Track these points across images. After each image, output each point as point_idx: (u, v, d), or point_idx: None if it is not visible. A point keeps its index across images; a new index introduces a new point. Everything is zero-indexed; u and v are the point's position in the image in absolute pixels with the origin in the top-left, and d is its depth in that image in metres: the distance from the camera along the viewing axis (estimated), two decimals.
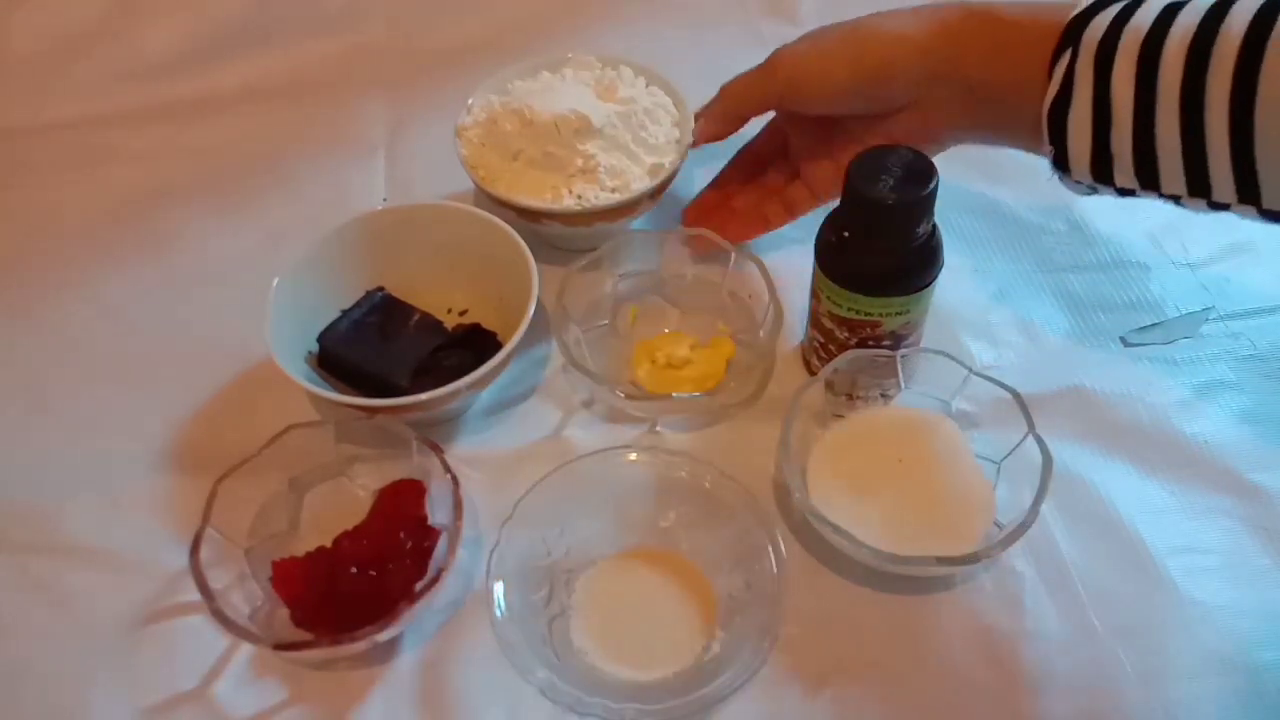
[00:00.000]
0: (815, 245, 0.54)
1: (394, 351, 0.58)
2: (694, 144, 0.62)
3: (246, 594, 0.49)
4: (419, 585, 0.48)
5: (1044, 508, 0.48)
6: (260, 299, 0.56)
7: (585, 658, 0.49)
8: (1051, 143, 0.50)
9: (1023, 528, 0.48)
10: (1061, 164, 0.50)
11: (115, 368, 0.63)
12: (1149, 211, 0.67)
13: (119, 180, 0.74)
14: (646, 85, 0.65)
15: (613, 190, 0.61)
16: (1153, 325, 0.62)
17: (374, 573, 0.49)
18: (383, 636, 0.47)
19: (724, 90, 0.60)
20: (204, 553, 0.48)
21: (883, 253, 0.51)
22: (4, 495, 0.57)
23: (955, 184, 0.67)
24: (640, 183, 0.61)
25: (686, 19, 0.83)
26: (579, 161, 0.60)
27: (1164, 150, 0.46)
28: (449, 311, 0.63)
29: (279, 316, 0.56)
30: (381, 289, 0.62)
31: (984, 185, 0.69)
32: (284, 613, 0.49)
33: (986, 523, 0.51)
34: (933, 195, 0.49)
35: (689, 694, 0.46)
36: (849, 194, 0.51)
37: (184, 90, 0.80)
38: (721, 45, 0.80)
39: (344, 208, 0.62)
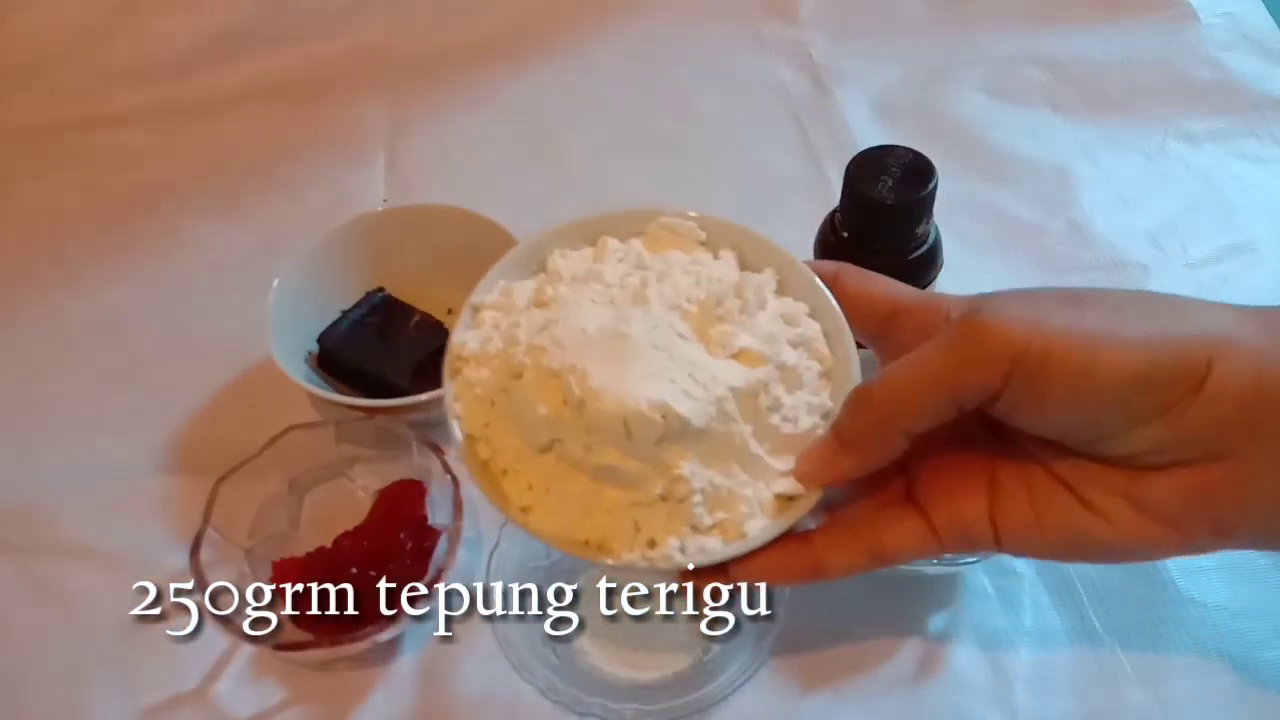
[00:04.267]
0: (815, 245, 0.54)
1: (394, 351, 0.58)
2: (808, 481, 0.36)
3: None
4: (419, 585, 0.48)
5: None
6: (260, 299, 0.56)
7: (585, 658, 0.49)
8: None
9: None
10: None
11: (115, 368, 0.63)
12: (1149, 212, 0.68)
13: (119, 180, 0.74)
14: (781, 297, 0.39)
15: (714, 529, 0.35)
16: None
17: (374, 573, 0.49)
18: (383, 636, 0.47)
19: (888, 380, 0.34)
20: (204, 553, 0.49)
21: (882, 253, 0.51)
22: (4, 495, 0.56)
23: (955, 184, 0.67)
24: (756, 520, 0.36)
25: (686, 19, 0.83)
26: (659, 488, 0.35)
27: None
28: (449, 312, 0.63)
29: (279, 316, 0.56)
30: (381, 289, 0.62)
31: (984, 185, 0.69)
32: (284, 613, 0.49)
33: None
34: (932, 195, 0.49)
35: (689, 694, 0.46)
36: (849, 194, 0.50)
37: (184, 90, 0.80)
38: (722, 46, 0.80)
39: (344, 208, 0.62)
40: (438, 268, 0.62)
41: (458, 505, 0.50)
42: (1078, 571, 0.51)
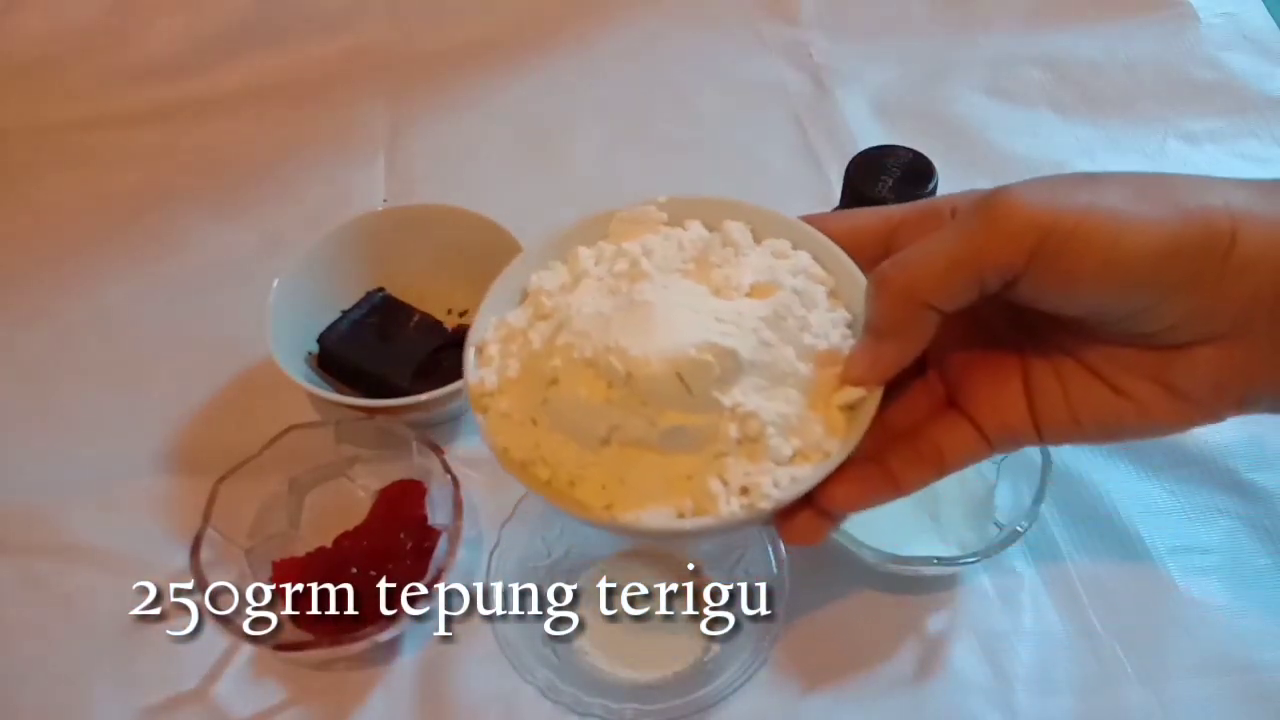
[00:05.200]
0: None
1: (394, 351, 0.58)
2: (862, 381, 0.35)
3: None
4: (419, 585, 0.48)
5: (1044, 508, 0.48)
6: (260, 299, 0.56)
7: (585, 658, 0.49)
8: None
9: (1022, 528, 0.48)
10: None
11: (115, 368, 0.63)
12: None
13: (119, 180, 0.74)
14: (762, 242, 0.39)
15: (795, 457, 0.34)
16: None
17: (374, 573, 0.49)
18: (383, 636, 0.47)
19: (906, 261, 0.33)
20: (204, 553, 0.49)
21: None
22: (4, 495, 0.57)
23: (955, 184, 0.67)
24: (832, 440, 0.35)
25: (686, 19, 0.83)
26: (732, 430, 0.34)
27: None
28: (449, 311, 0.63)
29: (279, 316, 0.56)
30: (381, 289, 0.62)
31: (984, 185, 0.69)
32: (284, 613, 0.49)
33: (986, 523, 0.51)
34: (933, 195, 0.49)
35: (689, 694, 0.46)
36: (849, 194, 0.50)
37: (184, 90, 0.80)
38: (721, 45, 0.80)
39: (344, 208, 0.62)
40: (438, 268, 0.62)
41: (458, 505, 0.50)
42: (1078, 571, 0.51)
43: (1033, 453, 0.50)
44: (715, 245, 0.37)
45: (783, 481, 0.34)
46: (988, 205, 0.32)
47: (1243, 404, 0.34)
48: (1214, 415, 0.34)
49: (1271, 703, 0.47)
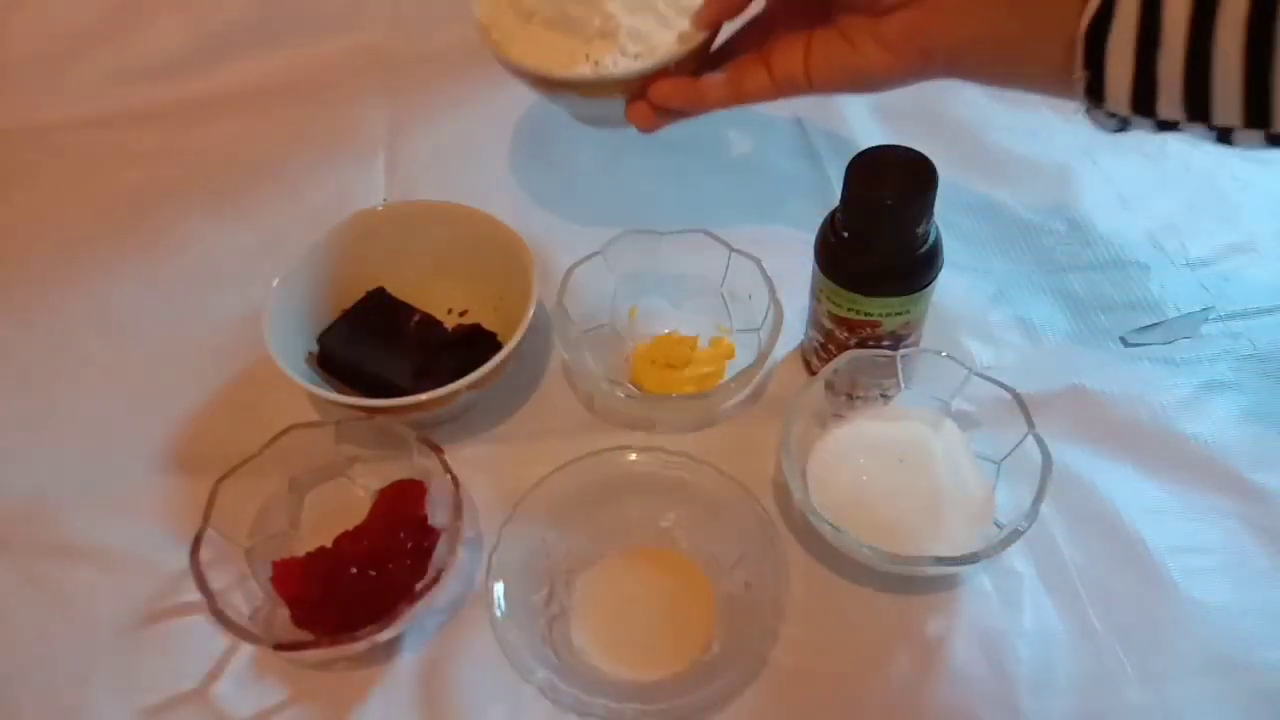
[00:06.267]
0: (815, 245, 0.54)
1: (394, 351, 0.58)
2: (699, 26, 0.55)
3: (247, 594, 0.49)
4: (419, 585, 0.48)
5: (1044, 508, 0.48)
6: (260, 299, 0.56)
7: (585, 658, 0.49)
8: (1087, 67, 0.43)
9: (1023, 528, 0.48)
10: (1096, 93, 0.44)
11: (115, 368, 0.63)
12: (1149, 211, 0.68)
13: (119, 180, 0.74)
14: None
15: (635, 57, 0.54)
16: (1153, 325, 0.62)
17: (374, 573, 0.49)
18: (383, 636, 0.47)
19: None
20: (204, 553, 0.49)
21: (883, 253, 0.51)
22: (4, 495, 0.57)
23: (955, 184, 0.67)
24: (667, 50, 0.54)
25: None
26: (597, 22, 0.54)
27: (1222, 75, 0.40)
28: (449, 311, 0.63)
29: (279, 316, 0.56)
30: (381, 289, 0.62)
31: (984, 185, 0.69)
32: (284, 613, 0.49)
33: (986, 523, 0.51)
34: (932, 195, 0.49)
35: (689, 694, 0.46)
36: (849, 194, 0.51)
37: (184, 91, 0.80)
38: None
39: (344, 208, 0.62)
40: (438, 267, 0.62)
41: (458, 505, 0.50)
42: (1078, 571, 0.51)
43: (1033, 452, 0.50)
44: None
45: (620, 63, 0.54)
46: None
47: (925, 54, 0.50)
48: (909, 64, 0.50)
49: (1271, 703, 0.47)
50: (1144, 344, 0.61)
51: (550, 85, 0.56)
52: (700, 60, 0.56)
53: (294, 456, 0.53)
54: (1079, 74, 0.43)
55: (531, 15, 0.56)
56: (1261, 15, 0.38)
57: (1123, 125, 0.46)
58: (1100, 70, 0.43)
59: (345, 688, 0.49)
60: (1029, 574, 0.52)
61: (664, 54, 0.54)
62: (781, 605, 0.48)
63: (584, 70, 0.54)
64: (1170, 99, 0.42)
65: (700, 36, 0.54)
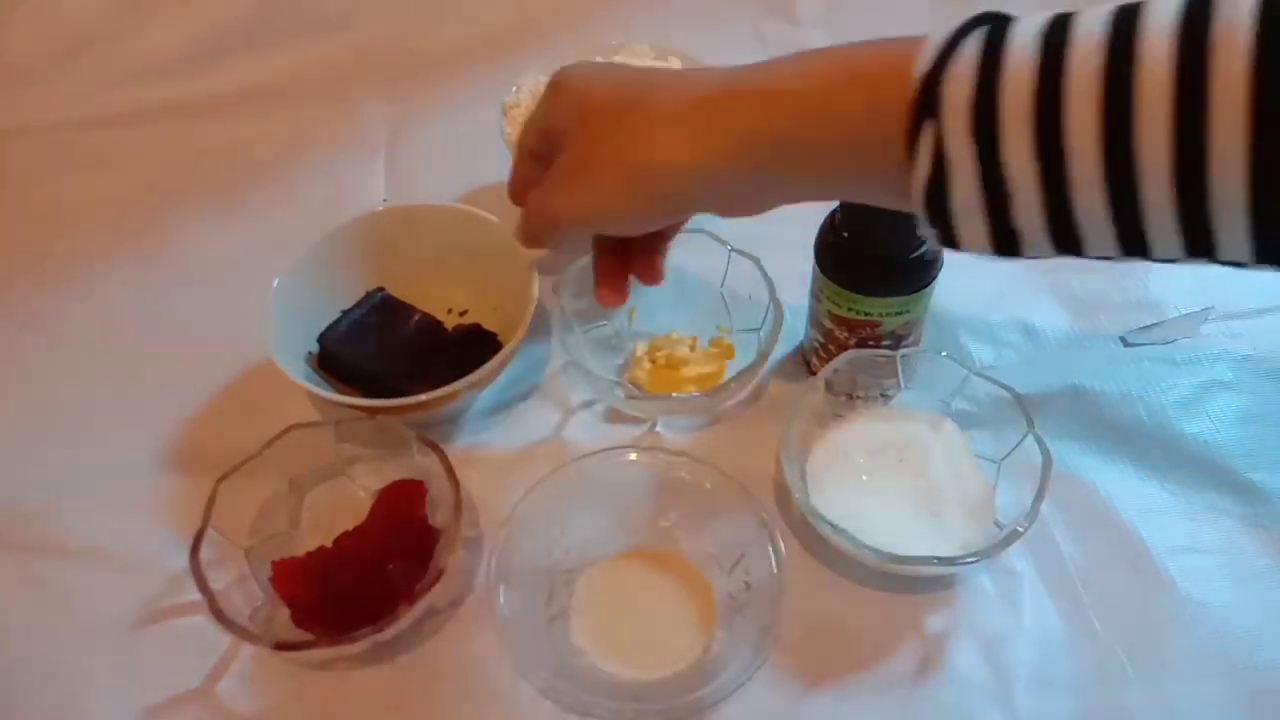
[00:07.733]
0: (815, 245, 0.54)
1: (394, 351, 0.58)
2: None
3: (247, 594, 0.49)
4: (419, 585, 0.48)
5: (1044, 508, 0.48)
6: (260, 299, 0.56)
7: (585, 658, 0.49)
8: (934, 226, 0.38)
9: (1022, 528, 0.48)
10: (950, 244, 0.38)
11: (115, 368, 0.63)
12: None
13: (119, 180, 0.74)
14: None
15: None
16: (1153, 325, 0.62)
17: (374, 573, 0.49)
18: (383, 636, 0.47)
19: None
20: (204, 553, 0.48)
21: (883, 253, 0.51)
22: (4, 495, 0.57)
23: None
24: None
25: (686, 19, 0.83)
26: None
27: (1088, 222, 0.35)
28: (449, 311, 0.63)
29: (279, 316, 0.56)
30: (381, 289, 0.62)
31: None
32: (284, 613, 0.49)
33: (986, 523, 0.51)
34: None
35: (689, 694, 0.46)
36: None
37: (184, 91, 0.80)
38: (721, 45, 0.79)
39: (344, 208, 0.62)
40: (438, 268, 0.62)
41: (458, 505, 0.50)
42: (1078, 571, 0.51)
43: (1033, 452, 0.50)
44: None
45: None
46: (545, 203, 0.48)
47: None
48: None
49: (1271, 703, 0.47)
50: (1144, 344, 0.61)
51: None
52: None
53: (294, 456, 0.53)
54: (926, 232, 0.38)
55: None
56: (1119, 159, 0.33)
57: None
58: (950, 230, 0.37)
59: (345, 688, 0.49)
60: (1029, 574, 0.52)
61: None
62: (781, 605, 0.48)
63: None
64: (1036, 245, 0.37)
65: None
